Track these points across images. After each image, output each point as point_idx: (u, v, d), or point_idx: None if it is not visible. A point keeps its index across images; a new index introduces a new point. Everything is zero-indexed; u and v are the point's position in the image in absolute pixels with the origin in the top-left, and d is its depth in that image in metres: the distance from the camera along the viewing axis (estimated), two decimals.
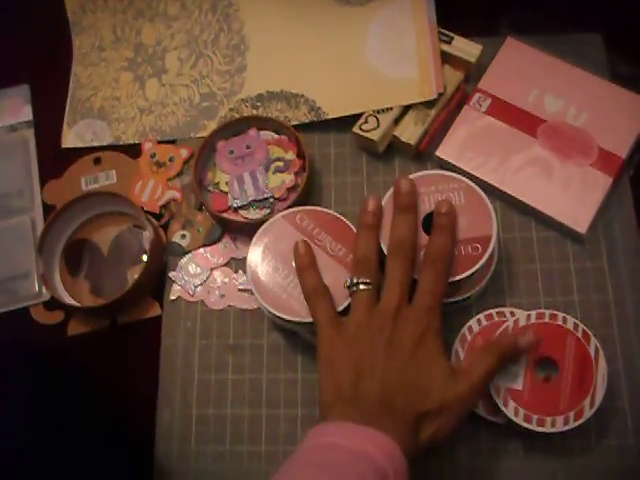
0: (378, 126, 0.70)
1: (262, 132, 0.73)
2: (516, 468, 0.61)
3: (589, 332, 0.60)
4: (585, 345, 0.60)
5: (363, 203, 0.62)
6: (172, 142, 0.77)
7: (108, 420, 0.66)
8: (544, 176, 0.68)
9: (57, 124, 0.79)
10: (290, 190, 0.70)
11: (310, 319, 0.61)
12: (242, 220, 0.70)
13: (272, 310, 0.62)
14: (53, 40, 0.83)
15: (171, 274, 0.71)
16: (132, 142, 0.77)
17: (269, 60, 0.77)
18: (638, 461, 0.60)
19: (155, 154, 0.75)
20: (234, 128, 0.73)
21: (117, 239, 0.73)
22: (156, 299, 0.71)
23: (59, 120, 0.80)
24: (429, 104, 0.71)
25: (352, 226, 0.64)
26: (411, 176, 0.63)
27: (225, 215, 0.70)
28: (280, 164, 0.71)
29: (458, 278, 0.60)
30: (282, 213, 0.66)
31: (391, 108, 0.71)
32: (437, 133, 0.71)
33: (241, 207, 0.70)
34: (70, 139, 0.78)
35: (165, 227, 0.73)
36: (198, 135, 0.76)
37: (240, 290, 0.70)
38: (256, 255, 0.64)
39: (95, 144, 0.77)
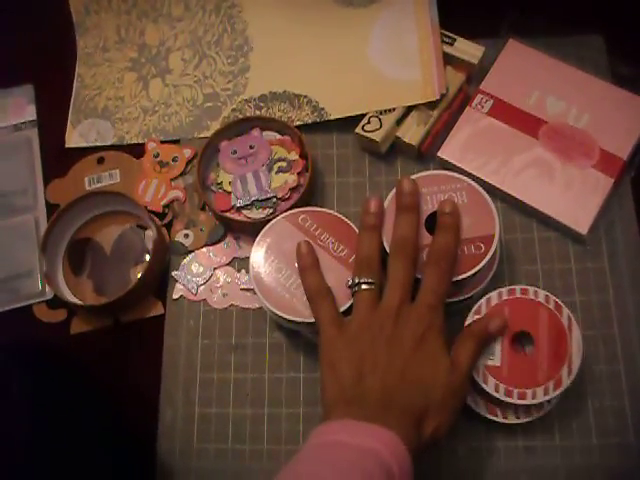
0: (381, 127, 0.70)
1: (265, 132, 0.73)
2: (517, 467, 0.61)
3: (561, 303, 0.61)
4: (558, 316, 0.60)
5: (365, 204, 0.62)
6: (175, 142, 0.77)
7: (110, 418, 0.66)
8: (545, 177, 0.68)
9: (61, 124, 0.80)
10: (293, 190, 0.70)
11: (312, 319, 0.61)
12: (245, 220, 0.70)
13: (275, 310, 0.62)
14: (57, 40, 0.83)
15: (174, 273, 0.71)
16: (135, 142, 0.77)
17: (272, 61, 0.77)
18: (639, 460, 0.61)
19: (158, 154, 0.76)
20: (237, 128, 0.74)
21: (120, 238, 0.73)
22: (159, 298, 0.71)
23: (63, 120, 0.80)
24: (431, 105, 0.71)
25: (354, 227, 0.64)
26: (414, 176, 0.64)
27: (228, 215, 0.70)
28: (283, 164, 0.71)
29: (461, 277, 0.60)
30: (285, 214, 0.66)
31: (394, 109, 0.71)
32: (439, 134, 0.72)
33: (244, 207, 0.70)
34: (74, 139, 0.78)
35: (168, 226, 0.73)
36: (201, 135, 0.76)
37: (242, 289, 0.70)
38: (259, 255, 0.65)
39: (99, 144, 0.78)
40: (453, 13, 0.74)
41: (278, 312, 0.62)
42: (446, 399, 0.55)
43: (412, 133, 0.70)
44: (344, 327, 0.58)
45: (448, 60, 0.73)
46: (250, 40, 0.78)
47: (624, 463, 0.61)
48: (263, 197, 0.70)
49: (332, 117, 0.74)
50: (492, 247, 0.61)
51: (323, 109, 0.74)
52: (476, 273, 0.61)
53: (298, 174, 0.71)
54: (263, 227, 0.66)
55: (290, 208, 0.67)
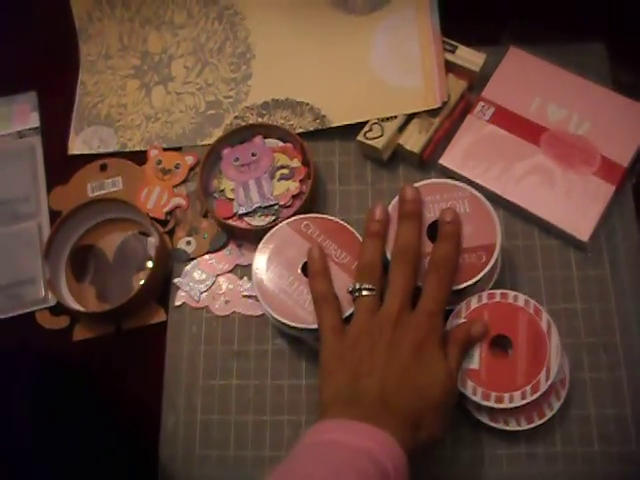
0: (382, 134, 0.71)
1: (267, 140, 0.74)
2: (519, 474, 0.61)
3: (540, 307, 0.61)
4: (537, 320, 0.61)
5: (370, 211, 0.63)
6: (178, 149, 0.77)
7: (112, 425, 0.67)
8: (547, 184, 0.68)
9: (64, 131, 0.80)
10: (295, 197, 0.71)
11: (315, 326, 0.61)
12: (247, 227, 0.70)
13: (277, 316, 0.62)
14: (60, 48, 0.83)
15: (176, 280, 0.71)
16: (138, 149, 0.78)
17: (274, 68, 0.78)
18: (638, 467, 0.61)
19: (161, 161, 0.76)
20: (240, 135, 0.74)
21: (122, 245, 0.74)
22: (161, 305, 0.71)
23: (66, 127, 0.80)
24: (433, 113, 0.71)
25: (357, 234, 0.65)
26: (416, 184, 0.64)
27: (230, 222, 0.71)
28: (285, 171, 0.72)
29: (462, 286, 0.61)
30: (288, 220, 0.66)
31: (395, 116, 0.71)
32: (441, 141, 0.72)
33: (246, 214, 0.70)
34: (77, 146, 0.78)
35: (170, 234, 0.73)
36: (204, 142, 0.76)
37: (245, 296, 0.70)
38: (262, 261, 0.65)
39: (101, 151, 0.78)
40: (454, 20, 0.74)
41: (280, 318, 0.62)
42: (442, 403, 0.56)
43: (414, 141, 0.71)
44: (345, 334, 0.59)
45: (449, 68, 0.73)
46: (252, 48, 0.79)
47: (625, 470, 0.61)
48: (265, 204, 0.70)
49: (334, 124, 0.74)
50: (493, 257, 0.61)
51: (325, 116, 0.74)
52: (476, 282, 0.61)
53: (300, 181, 0.71)
54: (265, 234, 0.66)
55: (292, 215, 0.67)
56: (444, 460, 0.63)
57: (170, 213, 0.74)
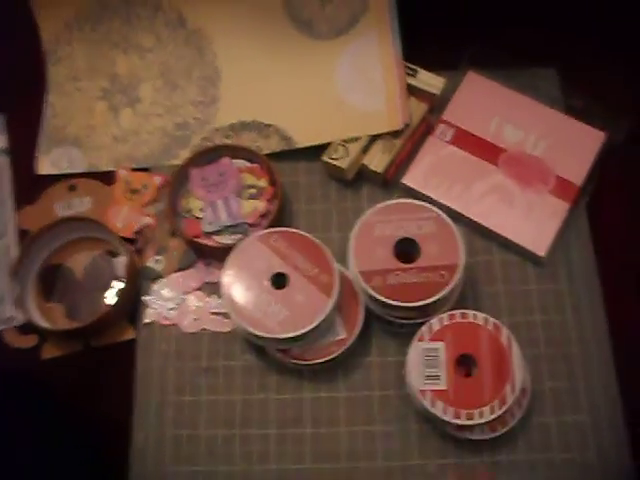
0: (347, 155, 0.73)
1: (235, 160, 0.75)
2: None
3: (499, 323, 0.64)
4: (497, 336, 0.63)
5: None
6: (146, 170, 0.78)
7: (80, 441, 0.67)
8: (505, 202, 0.71)
9: (32, 152, 0.80)
10: (262, 217, 0.72)
11: (282, 335, 0.63)
12: (216, 245, 0.72)
13: (246, 327, 0.64)
14: (28, 69, 0.84)
15: (145, 298, 0.72)
16: (107, 169, 0.78)
17: (242, 91, 0.79)
18: (599, 474, 0.63)
19: (129, 181, 0.77)
20: (207, 156, 0.75)
21: (91, 264, 0.74)
22: (130, 322, 0.72)
23: (35, 147, 0.80)
24: (395, 134, 0.74)
25: (324, 248, 0.67)
26: (386, 203, 0.67)
27: (199, 240, 0.72)
28: (253, 191, 0.73)
29: (422, 303, 0.64)
30: (258, 234, 0.68)
31: (359, 138, 0.74)
32: (403, 162, 0.74)
33: (214, 232, 0.72)
34: (45, 166, 0.79)
35: (139, 252, 0.74)
36: (171, 163, 0.78)
37: (213, 313, 0.71)
38: (230, 274, 0.66)
39: (70, 171, 0.78)
40: (415, 46, 0.77)
41: (250, 329, 0.64)
42: None
43: (377, 161, 0.73)
44: None
45: (411, 91, 0.75)
46: (220, 70, 0.81)
47: (585, 476, 0.63)
48: (233, 223, 0.72)
49: (300, 145, 0.76)
50: (455, 276, 0.64)
51: (291, 138, 0.76)
52: (437, 300, 0.64)
53: (268, 201, 0.73)
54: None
55: None
56: (411, 470, 0.64)
57: (139, 232, 0.75)
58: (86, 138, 0.80)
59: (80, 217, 0.74)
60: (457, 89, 0.77)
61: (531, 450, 0.64)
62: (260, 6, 0.79)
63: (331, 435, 0.66)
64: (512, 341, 0.63)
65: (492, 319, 0.64)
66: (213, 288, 0.72)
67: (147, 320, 0.71)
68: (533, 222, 0.70)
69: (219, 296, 0.70)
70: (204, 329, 0.71)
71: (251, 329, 0.64)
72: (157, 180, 0.77)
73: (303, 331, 0.63)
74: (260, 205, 0.72)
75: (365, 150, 0.74)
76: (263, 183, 0.74)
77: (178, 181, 0.74)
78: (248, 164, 0.75)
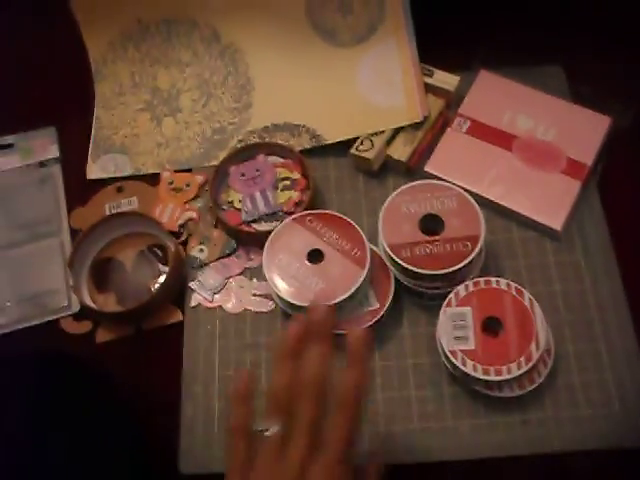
0: (372, 147, 0.79)
1: (269, 157, 0.82)
2: (514, 440, 0.67)
3: (521, 288, 0.68)
4: (520, 299, 0.68)
5: (284, 331, 0.57)
6: (188, 171, 0.85)
7: (133, 422, 0.71)
8: (521, 183, 0.77)
9: (82, 160, 0.87)
10: (297, 205, 0.78)
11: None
12: (255, 232, 0.77)
13: (287, 298, 0.69)
14: (77, 87, 0.92)
15: (191, 284, 0.77)
16: (151, 171, 0.85)
17: (273, 96, 0.87)
18: (623, 426, 0.67)
19: (173, 181, 0.83)
20: (244, 154, 0.82)
21: (139, 256, 0.80)
22: (178, 307, 0.77)
23: (84, 157, 0.87)
24: (416, 127, 0.80)
25: (356, 225, 0.73)
26: (414, 183, 0.73)
27: (239, 228, 0.78)
28: (287, 182, 0.79)
29: (450, 270, 0.69)
30: (293, 216, 0.74)
31: (383, 131, 0.80)
32: (425, 151, 0.80)
33: (253, 221, 0.78)
34: (94, 171, 0.85)
35: (184, 244, 0.80)
36: (211, 164, 0.84)
37: (255, 295, 0.76)
38: (271, 252, 0.72)
39: (117, 175, 0.85)
40: (430, 50, 0.84)
41: (289, 299, 0.69)
42: None
43: (401, 151, 0.79)
44: (249, 477, 0.53)
45: (429, 89, 0.82)
46: (252, 80, 0.88)
47: (610, 429, 0.67)
48: (270, 211, 0.78)
49: (328, 141, 0.82)
50: (478, 245, 0.69)
51: (320, 135, 0.83)
52: (462, 268, 0.69)
53: (301, 191, 0.79)
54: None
55: None
56: (445, 431, 0.68)
57: (183, 226, 0.81)
58: (131, 145, 0.87)
59: (129, 212, 0.81)
60: (471, 86, 0.83)
61: (558, 407, 0.68)
62: (287, 19, 0.87)
63: (370, 401, 0.70)
64: (534, 303, 0.67)
65: (514, 284, 0.69)
66: (254, 272, 0.77)
67: (193, 304, 0.77)
68: (548, 199, 0.76)
69: (259, 280, 0.76)
70: (247, 309, 0.76)
71: (291, 299, 0.69)
72: (199, 179, 0.83)
73: (340, 299, 0.68)
74: (294, 195, 0.78)
75: (389, 142, 0.80)
76: (296, 175, 0.80)
77: (219, 178, 0.81)
78: (282, 160, 0.82)
